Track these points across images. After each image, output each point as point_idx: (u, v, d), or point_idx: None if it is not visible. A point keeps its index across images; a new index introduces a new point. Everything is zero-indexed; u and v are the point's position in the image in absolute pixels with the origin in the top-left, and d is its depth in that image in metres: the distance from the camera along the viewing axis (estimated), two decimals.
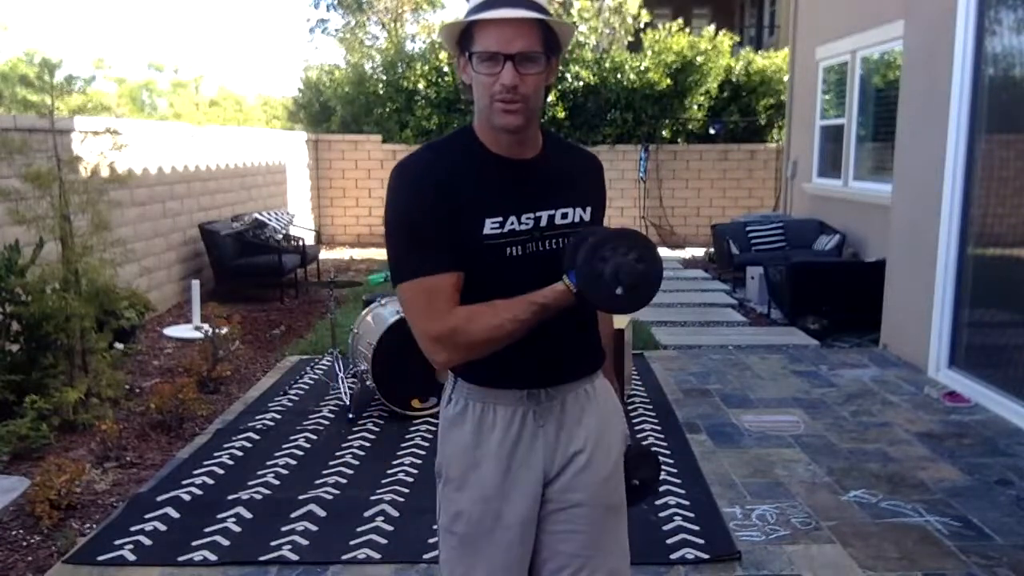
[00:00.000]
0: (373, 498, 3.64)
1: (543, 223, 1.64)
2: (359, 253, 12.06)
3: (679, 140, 13.09)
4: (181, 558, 3.12)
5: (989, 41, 5.06)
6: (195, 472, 3.94)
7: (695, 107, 13.06)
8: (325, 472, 3.95)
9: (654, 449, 2.01)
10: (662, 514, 3.48)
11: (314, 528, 3.36)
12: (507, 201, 1.62)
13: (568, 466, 1.69)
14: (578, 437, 1.71)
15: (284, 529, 3.35)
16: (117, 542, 3.23)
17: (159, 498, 3.63)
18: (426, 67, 12.86)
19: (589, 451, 1.71)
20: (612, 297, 1.53)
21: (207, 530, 3.33)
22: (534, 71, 1.55)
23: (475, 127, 1.66)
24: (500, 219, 1.60)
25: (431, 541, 3.21)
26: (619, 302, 1.54)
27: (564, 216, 1.67)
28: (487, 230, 1.60)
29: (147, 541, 3.25)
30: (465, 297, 1.61)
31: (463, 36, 1.59)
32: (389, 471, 3.94)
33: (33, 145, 4.92)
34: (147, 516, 3.45)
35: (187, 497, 3.66)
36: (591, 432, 1.72)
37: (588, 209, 1.72)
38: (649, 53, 13.17)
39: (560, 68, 2.10)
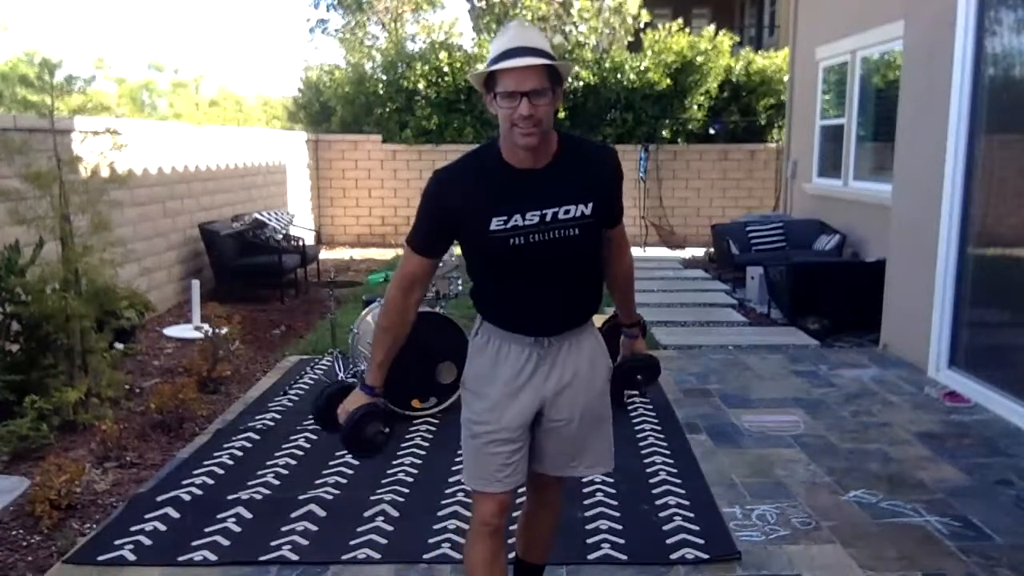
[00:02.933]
0: (373, 498, 3.64)
1: (548, 218, 2.10)
2: (359, 253, 12.05)
3: (679, 140, 13.08)
4: (181, 558, 3.12)
5: (989, 41, 5.06)
6: (195, 472, 3.94)
7: (695, 107, 13.05)
8: (325, 472, 3.95)
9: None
10: (662, 514, 3.48)
11: (314, 528, 3.37)
12: (513, 204, 2.09)
13: (562, 392, 2.25)
14: (569, 372, 2.25)
15: (284, 529, 3.35)
16: (117, 542, 3.23)
17: (159, 498, 3.63)
18: (426, 67, 12.84)
19: (577, 382, 2.26)
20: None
21: (207, 530, 3.33)
22: (543, 102, 2.00)
23: (500, 143, 2.11)
24: (505, 218, 2.09)
25: (431, 541, 3.23)
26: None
27: (567, 212, 2.11)
28: (492, 227, 2.10)
29: (147, 541, 3.25)
30: (484, 271, 2.23)
31: (488, 78, 2.04)
32: (389, 471, 3.94)
33: (33, 145, 4.91)
34: (147, 516, 3.45)
35: (187, 497, 3.66)
36: (579, 369, 2.27)
37: (590, 204, 2.12)
38: (649, 53, 13.16)
39: None
